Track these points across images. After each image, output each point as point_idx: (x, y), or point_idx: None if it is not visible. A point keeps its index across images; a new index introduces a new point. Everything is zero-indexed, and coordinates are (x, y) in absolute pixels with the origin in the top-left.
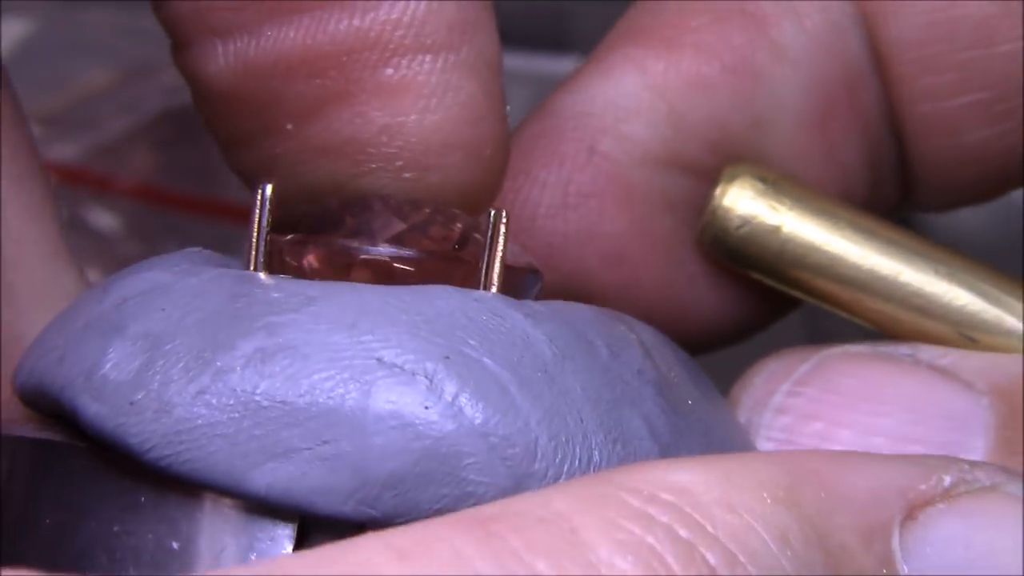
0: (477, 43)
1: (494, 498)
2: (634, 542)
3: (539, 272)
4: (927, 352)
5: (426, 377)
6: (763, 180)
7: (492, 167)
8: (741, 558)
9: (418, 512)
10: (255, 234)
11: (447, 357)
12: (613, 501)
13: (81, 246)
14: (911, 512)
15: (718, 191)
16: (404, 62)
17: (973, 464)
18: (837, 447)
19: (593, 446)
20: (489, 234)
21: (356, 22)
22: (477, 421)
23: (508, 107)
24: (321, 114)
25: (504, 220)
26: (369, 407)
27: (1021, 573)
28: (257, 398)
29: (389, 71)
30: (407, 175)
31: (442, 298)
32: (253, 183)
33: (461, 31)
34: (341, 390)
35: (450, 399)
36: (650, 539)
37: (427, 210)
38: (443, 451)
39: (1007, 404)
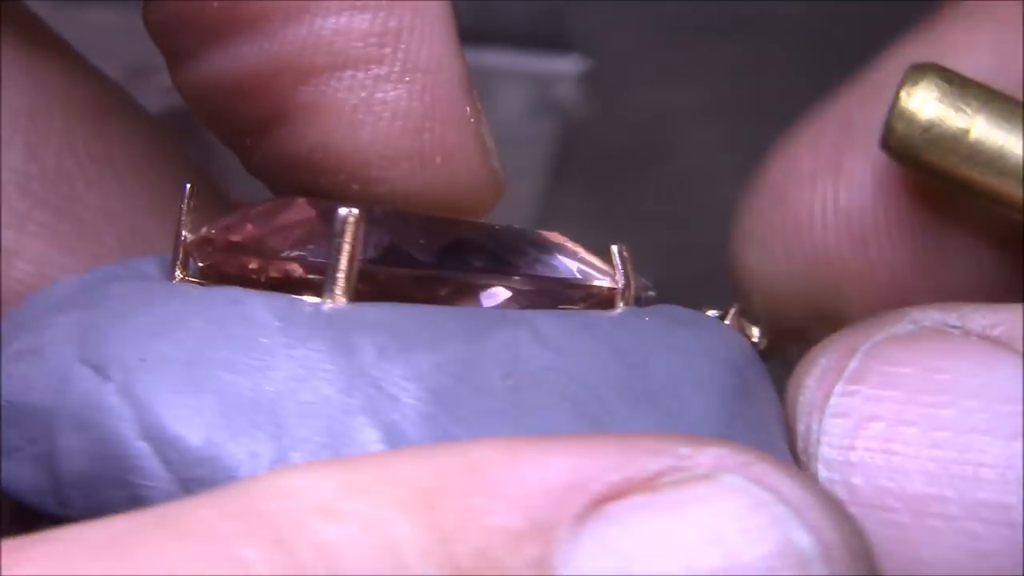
0: (404, 51)
1: (162, 500)
2: (226, 557)
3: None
4: (975, 319)
5: (112, 379)
6: (949, 81)
7: (454, 173)
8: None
9: (108, 512)
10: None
11: (142, 360)
12: (230, 512)
13: None
14: (595, 506)
15: (903, 93)
16: (321, 81)
17: (702, 445)
18: (903, 447)
19: (289, 453)
20: (335, 238)
21: (266, 46)
22: (147, 422)
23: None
24: (266, 131)
25: (352, 222)
26: (60, 407)
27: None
28: (2, 398)
29: (307, 90)
30: (355, 186)
31: (177, 299)
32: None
33: (380, 43)
34: (46, 390)
35: (130, 399)
36: (242, 552)
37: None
38: (112, 452)
39: None
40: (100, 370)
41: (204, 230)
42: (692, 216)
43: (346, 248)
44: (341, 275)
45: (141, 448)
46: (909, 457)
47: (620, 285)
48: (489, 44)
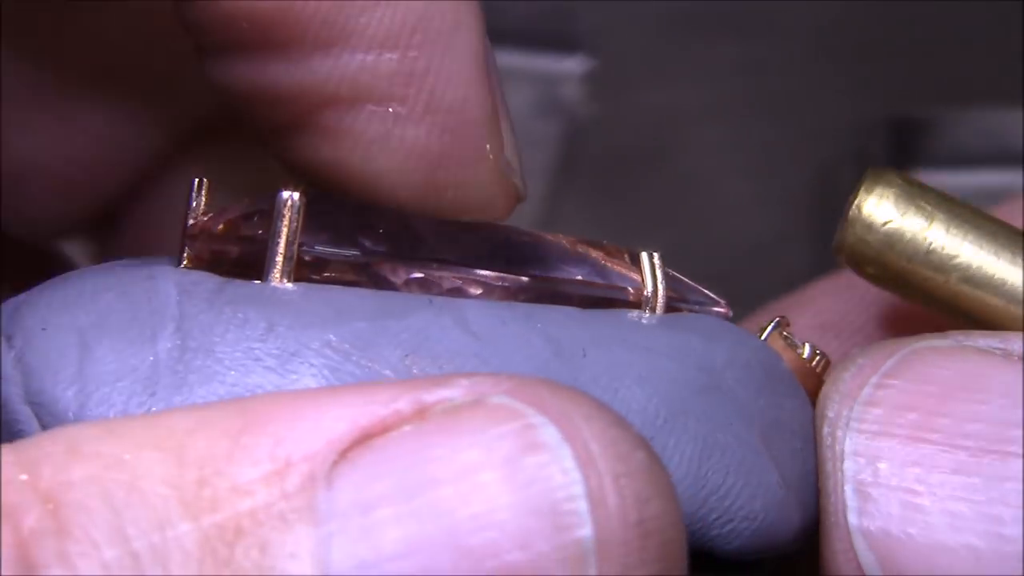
0: (428, 92)
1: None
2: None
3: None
4: (1017, 343)
5: (13, 347)
6: (908, 182)
7: (465, 200)
8: None
9: None
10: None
11: (43, 329)
12: (19, 450)
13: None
14: (363, 440)
15: (863, 191)
16: (342, 110)
17: (484, 376)
18: (935, 436)
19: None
20: (275, 221)
21: (291, 70)
22: (30, 387)
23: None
24: (283, 136)
25: (292, 205)
26: None
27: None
28: None
29: (328, 115)
30: (363, 200)
31: (104, 276)
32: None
33: (405, 83)
34: None
35: (21, 365)
36: (6, 479)
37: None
38: (5, 416)
39: None
40: (9, 340)
41: (197, 220)
42: (697, 215)
43: (283, 231)
44: (279, 256)
45: (24, 412)
46: (938, 446)
47: (647, 291)
48: (495, 44)
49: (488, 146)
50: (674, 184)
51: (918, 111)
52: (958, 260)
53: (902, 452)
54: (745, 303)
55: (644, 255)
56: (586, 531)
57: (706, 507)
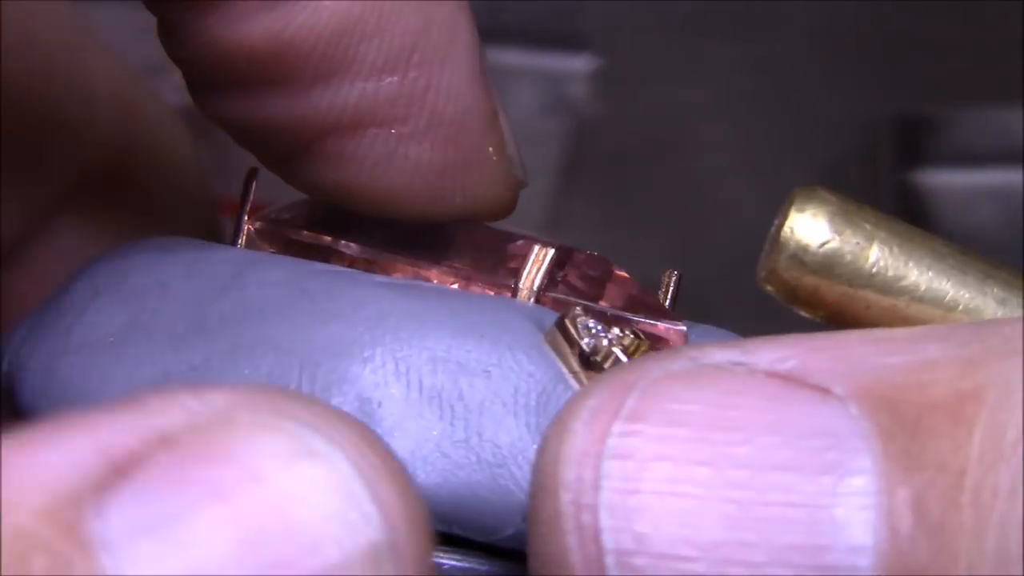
0: (429, 109)
1: None
2: None
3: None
4: (761, 354)
5: None
6: (842, 200)
7: (473, 203)
8: None
9: None
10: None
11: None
12: None
13: None
14: (119, 474)
15: (794, 211)
16: (344, 137)
17: (207, 392)
18: (695, 488)
19: None
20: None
21: (291, 102)
22: None
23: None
24: (288, 163)
25: (245, 179)
26: None
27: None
28: None
29: (331, 141)
30: (374, 215)
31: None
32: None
33: (406, 104)
34: None
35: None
36: None
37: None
38: None
39: (883, 408)
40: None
41: (264, 213)
42: (703, 213)
43: (248, 202)
44: (246, 223)
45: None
46: (703, 500)
47: (520, 281)
48: (501, 42)
49: (490, 148)
50: (680, 182)
51: (925, 109)
52: (906, 282)
53: (662, 512)
54: (750, 301)
55: (536, 248)
56: (377, 534)
57: None
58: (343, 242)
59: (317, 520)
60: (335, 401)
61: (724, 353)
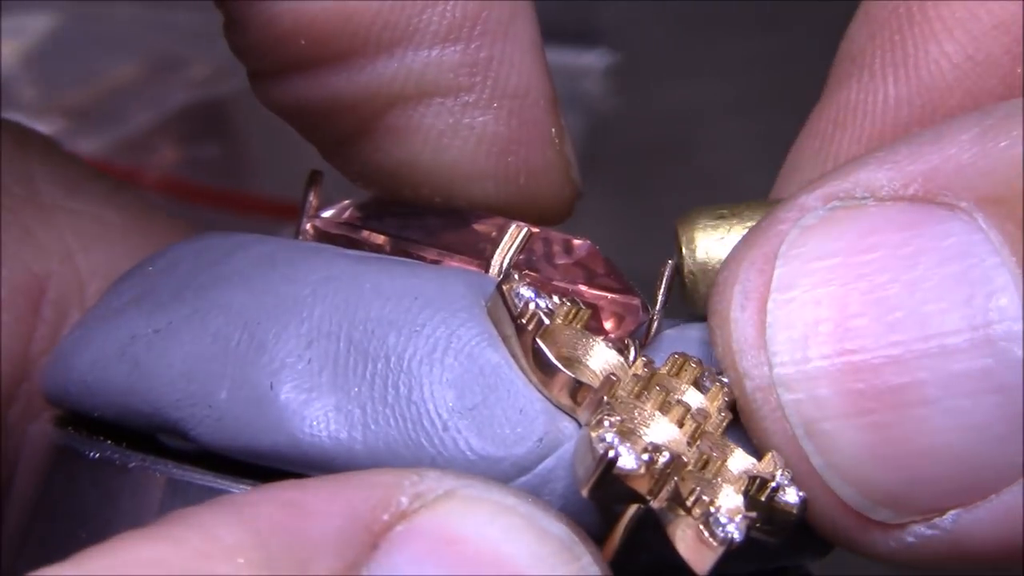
0: (493, 80)
1: None
2: None
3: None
4: (877, 180)
5: None
6: (720, 216)
7: (538, 192)
8: None
9: None
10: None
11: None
12: None
13: None
14: (375, 542)
15: (685, 249)
16: (409, 107)
17: (422, 475)
18: (859, 342)
19: None
20: None
21: (354, 76)
22: None
23: None
24: (348, 145)
25: (310, 181)
26: None
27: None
28: None
29: (396, 114)
30: (437, 198)
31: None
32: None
33: (470, 73)
34: None
35: None
36: None
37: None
38: None
39: (1007, 215)
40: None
41: (312, 207)
42: None
43: (311, 201)
44: (306, 221)
45: None
46: (870, 352)
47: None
48: None
49: (552, 130)
50: (695, 178)
51: None
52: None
53: (835, 373)
54: None
55: (513, 226)
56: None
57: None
58: (373, 234)
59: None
60: (264, 359)
61: (842, 186)
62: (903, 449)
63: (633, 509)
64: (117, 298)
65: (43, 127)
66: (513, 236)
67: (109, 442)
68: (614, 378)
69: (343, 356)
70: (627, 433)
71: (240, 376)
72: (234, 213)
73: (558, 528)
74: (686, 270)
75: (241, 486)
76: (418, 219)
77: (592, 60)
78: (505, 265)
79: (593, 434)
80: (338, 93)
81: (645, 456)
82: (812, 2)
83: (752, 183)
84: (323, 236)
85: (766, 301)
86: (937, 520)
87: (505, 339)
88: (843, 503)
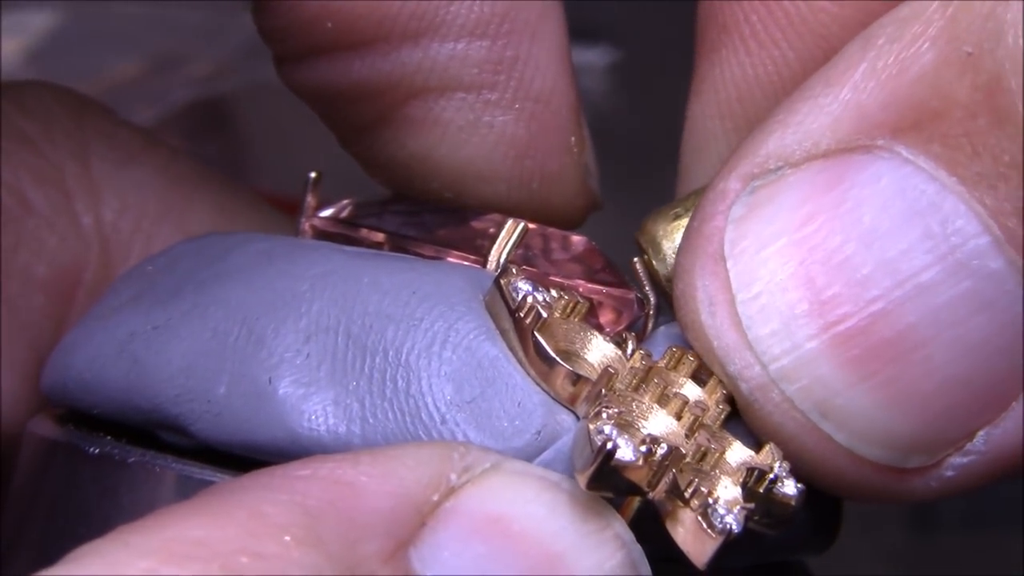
0: (517, 80)
1: None
2: None
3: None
4: (787, 145)
5: None
6: (676, 211)
7: (549, 196)
8: None
9: None
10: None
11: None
12: (124, 561)
13: None
14: (423, 520)
15: (649, 251)
16: (430, 100)
17: (468, 447)
18: (837, 312)
19: None
20: None
21: (378, 64)
22: None
23: None
24: (363, 134)
25: (311, 181)
26: None
27: (555, 548)
28: None
29: (415, 105)
30: (447, 195)
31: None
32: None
33: (494, 70)
34: None
35: None
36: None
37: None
38: None
39: (928, 137)
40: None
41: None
42: None
43: (309, 202)
44: (304, 221)
45: None
46: (853, 316)
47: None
48: None
49: (572, 138)
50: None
51: None
52: None
53: (825, 350)
54: None
55: (509, 222)
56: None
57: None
58: (374, 231)
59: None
60: (262, 354)
61: (751, 160)
62: (917, 394)
63: (633, 501)
64: (116, 297)
65: None
66: (510, 231)
67: (109, 438)
68: (612, 371)
69: (341, 350)
70: (625, 425)
71: (239, 371)
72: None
73: (602, 505)
74: (663, 279)
75: None
76: (416, 217)
77: (594, 57)
78: (502, 260)
79: (591, 426)
80: (361, 79)
81: (643, 448)
82: None
83: None
84: (321, 235)
85: (732, 303)
86: (968, 446)
87: (503, 333)
88: (877, 465)
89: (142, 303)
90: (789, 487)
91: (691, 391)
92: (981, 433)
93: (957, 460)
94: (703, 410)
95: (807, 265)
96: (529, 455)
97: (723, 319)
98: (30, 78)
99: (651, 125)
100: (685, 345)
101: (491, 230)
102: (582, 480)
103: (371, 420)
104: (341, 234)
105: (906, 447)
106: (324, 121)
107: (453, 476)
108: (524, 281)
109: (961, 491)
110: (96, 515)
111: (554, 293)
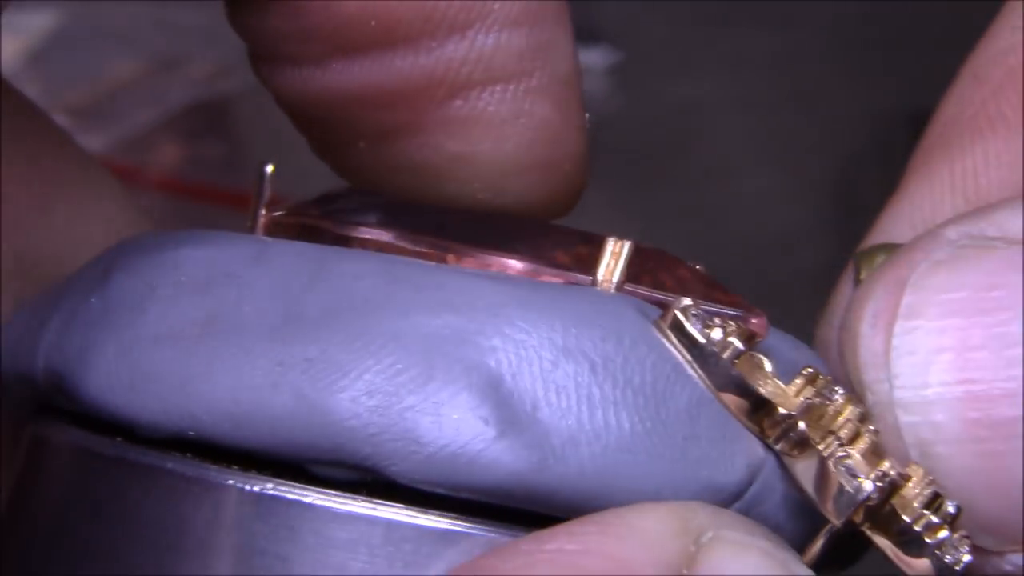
0: (551, 65)
1: None
2: None
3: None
4: (1010, 222)
5: None
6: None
7: (570, 180)
8: None
9: None
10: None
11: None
12: None
13: None
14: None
15: (862, 272)
16: (473, 95)
17: (694, 511)
18: (979, 373)
19: None
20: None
21: (421, 60)
22: None
23: None
24: (392, 139)
25: (267, 174)
26: None
27: None
28: None
29: (458, 104)
30: (482, 196)
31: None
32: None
33: (532, 57)
34: None
35: None
36: None
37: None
38: None
39: None
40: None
41: (268, 202)
42: (720, 207)
43: (265, 194)
44: (261, 215)
45: None
46: (988, 383)
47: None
48: None
49: (587, 115)
50: (698, 176)
51: None
52: None
53: (953, 401)
54: (768, 294)
55: (611, 242)
56: None
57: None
58: (387, 233)
59: None
60: (464, 394)
61: (976, 225)
62: (1012, 480)
63: (827, 525)
64: (169, 311)
65: None
66: (617, 251)
67: (189, 455)
68: (808, 402)
69: (541, 388)
70: (860, 463)
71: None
72: (236, 211)
73: (805, 572)
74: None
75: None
76: (419, 217)
77: (594, 58)
78: (616, 280)
79: (839, 466)
80: (399, 79)
81: (880, 484)
82: (813, 1)
83: (754, 180)
84: (286, 231)
85: (892, 324)
86: None
87: (688, 364)
88: None
89: (248, 325)
90: (962, 555)
91: (852, 412)
92: None
93: (1016, 559)
94: (877, 433)
95: (971, 321)
96: (742, 488)
97: (880, 331)
98: (30, 78)
99: (651, 125)
100: (792, 361)
101: (575, 242)
102: (838, 520)
103: (606, 455)
104: (320, 231)
105: (980, 522)
106: (343, 130)
107: (692, 548)
108: (701, 311)
109: None
110: (168, 533)
111: (719, 321)
